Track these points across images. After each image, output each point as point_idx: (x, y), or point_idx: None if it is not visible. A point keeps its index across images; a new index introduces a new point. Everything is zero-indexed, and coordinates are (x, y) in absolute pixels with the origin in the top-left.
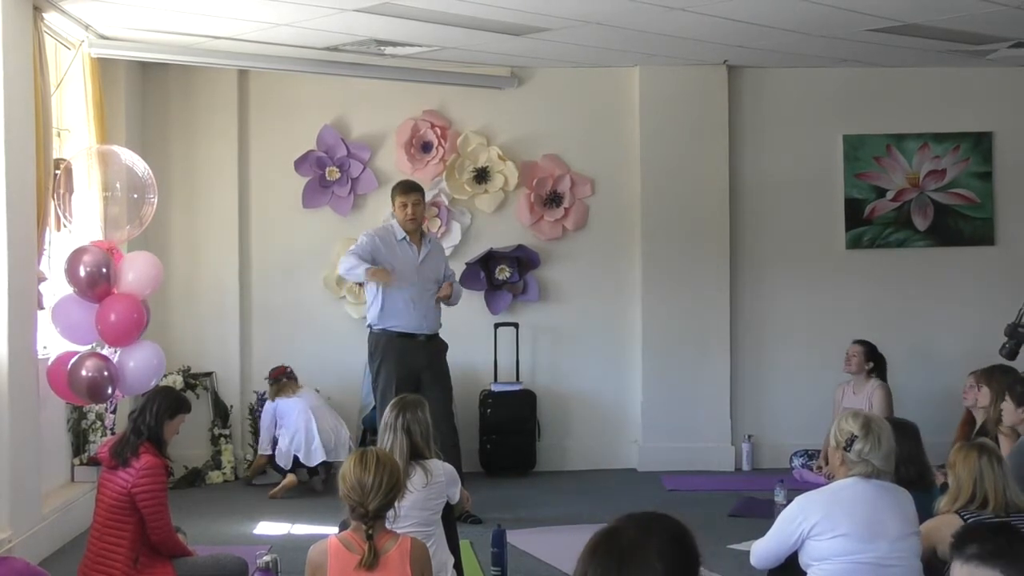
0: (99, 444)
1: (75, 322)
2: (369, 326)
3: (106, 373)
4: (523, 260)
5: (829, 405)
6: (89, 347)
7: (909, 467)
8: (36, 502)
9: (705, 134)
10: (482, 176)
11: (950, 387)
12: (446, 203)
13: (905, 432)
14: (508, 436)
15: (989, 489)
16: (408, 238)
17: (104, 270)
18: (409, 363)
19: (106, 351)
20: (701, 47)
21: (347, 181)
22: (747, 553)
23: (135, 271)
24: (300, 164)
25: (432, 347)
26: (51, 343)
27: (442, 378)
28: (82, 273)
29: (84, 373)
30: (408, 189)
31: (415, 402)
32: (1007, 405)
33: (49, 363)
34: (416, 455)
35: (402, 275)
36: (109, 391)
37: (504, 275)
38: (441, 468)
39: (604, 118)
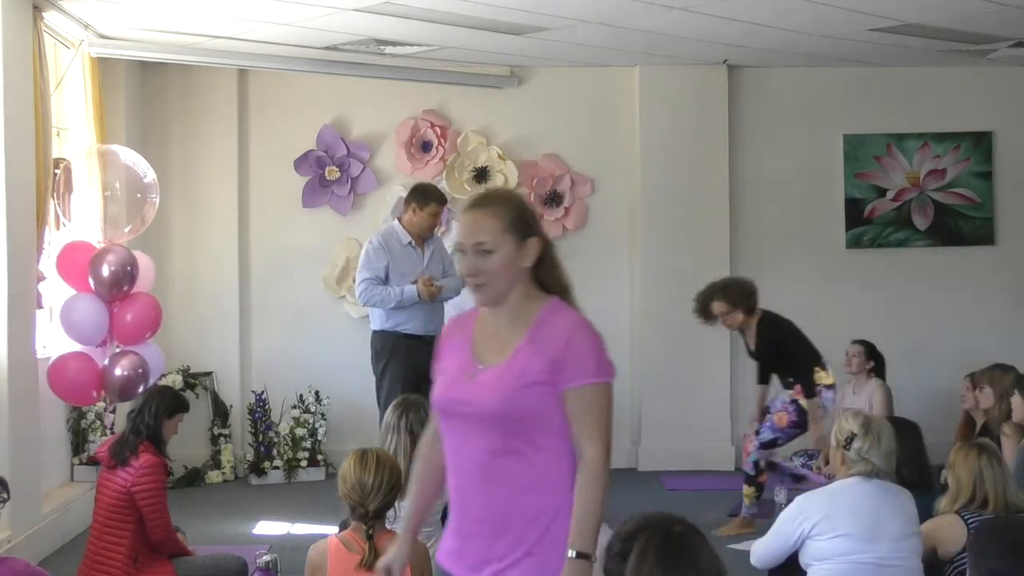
0: (98, 443)
1: (84, 321)
2: (374, 329)
3: (140, 371)
4: None
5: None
6: (87, 347)
7: (911, 467)
8: (36, 502)
9: (705, 134)
10: (482, 176)
11: (950, 387)
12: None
13: (907, 432)
14: None
15: (989, 489)
16: (413, 242)
17: (128, 269)
18: (415, 365)
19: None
20: (701, 47)
21: (347, 180)
22: (747, 553)
23: None
24: (300, 164)
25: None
26: (50, 343)
27: None
28: (105, 273)
29: (119, 372)
30: (445, 201)
31: (417, 402)
32: (1016, 400)
33: (50, 363)
34: None
35: (409, 279)
36: (141, 389)
37: None
38: None
39: (604, 118)
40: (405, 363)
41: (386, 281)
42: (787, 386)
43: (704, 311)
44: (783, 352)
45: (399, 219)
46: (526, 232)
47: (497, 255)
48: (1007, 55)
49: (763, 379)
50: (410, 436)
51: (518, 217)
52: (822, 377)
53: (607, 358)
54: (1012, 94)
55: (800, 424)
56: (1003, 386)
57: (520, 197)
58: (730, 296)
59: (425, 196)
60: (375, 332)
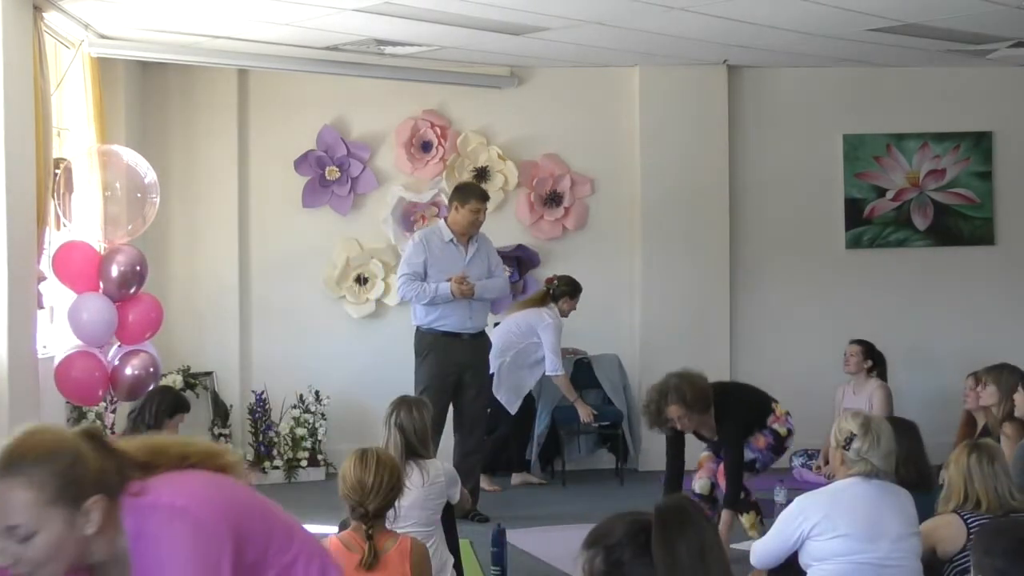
0: None
1: (94, 321)
2: (416, 326)
3: (151, 370)
4: (523, 260)
5: (829, 405)
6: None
7: (909, 467)
8: None
9: (705, 134)
10: (482, 176)
11: (950, 387)
12: (446, 202)
13: (905, 431)
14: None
15: (980, 489)
16: (456, 239)
17: (138, 269)
18: (450, 362)
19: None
20: (701, 47)
21: (347, 181)
22: (747, 553)
23: None
24: (300, 164)
25: (477, 344)
26: (50, 343)
27: (482, 377)
28: (115, 273)
29: (130, 371)
30: (486, 198)
31: (413, 402)
32: (1020, 396)
33: (56, 363)
34: (412, 453)
35: (447, 276)
36: (150, 388)
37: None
38: (441, 468)
39: (604, 118)
40: (439, 361)
41: (426, 277)
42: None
43: (657, 418)
44: (748, 422)
45: (444, 218)
46: (81, 493)
47: (42, 537)
48: (1007, 55)
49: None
50: (400, 432)
51: (67, 479)
52: (779, 410)
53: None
54: (1012, 94)
55: (776, 448)
56: (1008, 385)
57: (68, 442)
58: (684, 400)
59: (466, 193)
60: (417, 331)
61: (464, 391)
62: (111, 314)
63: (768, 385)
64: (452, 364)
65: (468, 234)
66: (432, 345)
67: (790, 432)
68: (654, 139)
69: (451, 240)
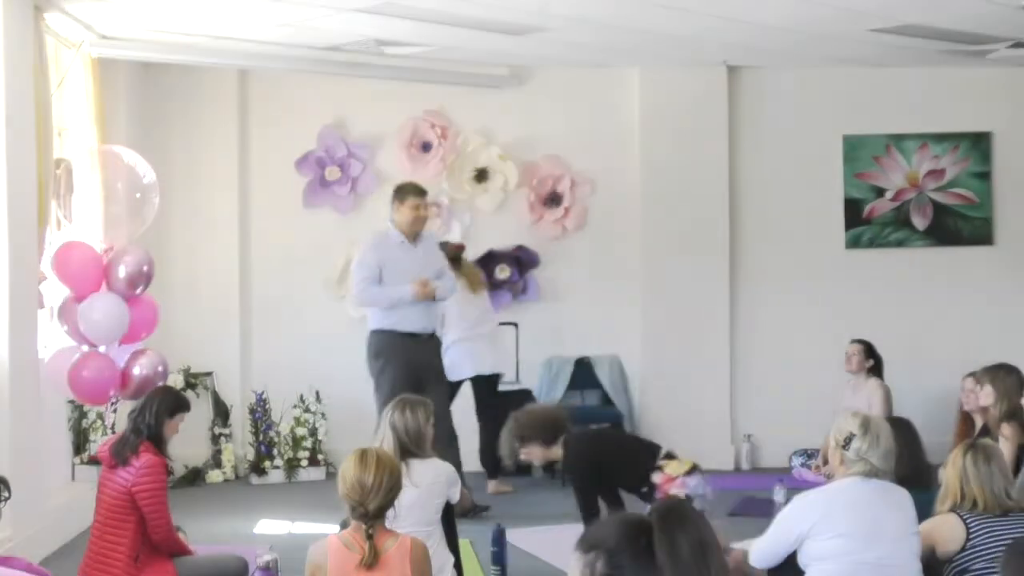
0: (99, 443)
1: (104, 320)
2: (372, 329)
3: (160, 368)
4: (523, 260)
5: (829, 405)
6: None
7: (905, 465)
8: (37, 501)
9: (705, 134)
10: (482, 176)
11: (948, 387)
12: (446, 203)
13: (900, 429)
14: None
15: (975, 489)
16: (405, 240)
17: (145, 269)
18: (413, 362)
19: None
20: (701, 47)
21: (347, 181)
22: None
23: None
24: (300, 164)
25: (432, 344)
26: (51, 343)
27: (442, 376)
28: (122, 273)
29: (138, 371)
30: (422, 192)
31: (411, 403)
32: None
33: (69, 363)
34: (405, 453)
35: (407, 276)
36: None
37: (504, 275)
38: (441, 468)
39: (604, 118)
40: (405, 362)
41: (381, 281)
42: (644, 498)
43: (506, 445)
44: (601, 474)
45: (391, 221)
46: None
47: None
48: (1007, 55)
49: None
50: (392, 431)
51: None
52: (674, 468)
53: None
54: (1011, 94)
55: None
56: (1005, 386)
57: None
58: (518, 428)
59: (402, 191)
60: (373, 332)
61: (428, 392)
62: (123, 313)
63: (768, 385)
64: (415, 364)
65: (414, 231)
66: (392, 348)
67: (689, 499)
68: (654, 139)
69: (402, 241)
